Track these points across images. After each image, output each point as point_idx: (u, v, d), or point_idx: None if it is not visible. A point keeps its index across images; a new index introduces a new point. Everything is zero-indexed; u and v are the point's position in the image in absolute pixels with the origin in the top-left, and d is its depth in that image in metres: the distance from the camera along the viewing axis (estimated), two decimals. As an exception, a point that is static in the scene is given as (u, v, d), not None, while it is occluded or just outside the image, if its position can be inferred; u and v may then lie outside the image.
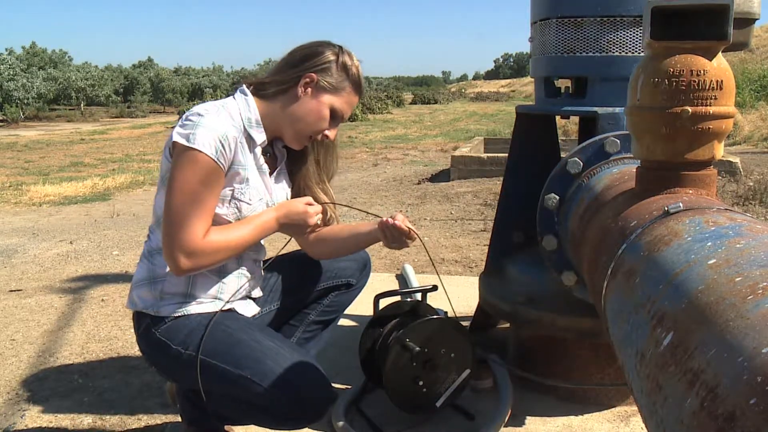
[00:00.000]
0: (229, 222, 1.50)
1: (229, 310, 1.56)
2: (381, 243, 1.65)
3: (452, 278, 3.42)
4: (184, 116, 1.45)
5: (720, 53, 1.16)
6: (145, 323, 1.52)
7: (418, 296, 1.96)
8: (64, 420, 2.04)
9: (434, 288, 1.92)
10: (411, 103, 37.92)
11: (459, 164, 7.75)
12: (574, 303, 1.74)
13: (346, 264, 1.83)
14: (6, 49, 33.02)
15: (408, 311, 1.88)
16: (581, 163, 1.67)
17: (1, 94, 27.62)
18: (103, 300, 3.32)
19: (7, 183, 9.30)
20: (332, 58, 1.55)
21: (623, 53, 1.84)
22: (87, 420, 2.03)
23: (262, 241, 1.65)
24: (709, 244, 0.83)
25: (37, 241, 4.92)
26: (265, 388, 1.41)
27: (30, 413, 2.07)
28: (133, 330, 1.60)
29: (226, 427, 1.72)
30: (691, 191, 1.18)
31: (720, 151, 1.20)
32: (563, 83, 2.12)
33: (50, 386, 2.30)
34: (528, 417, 1.86)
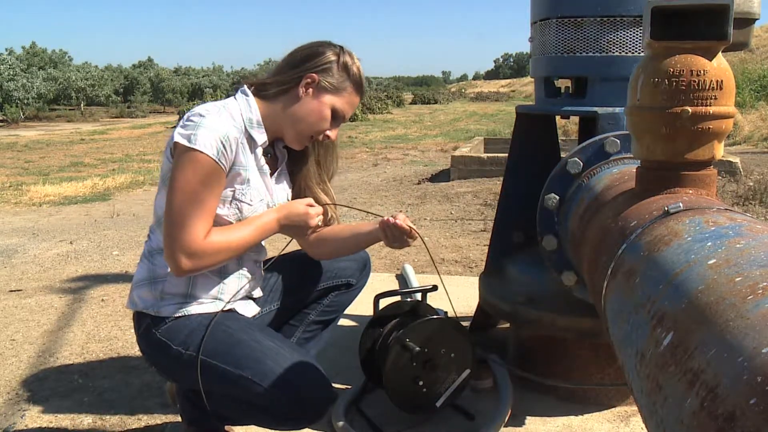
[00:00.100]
0: (230, 223, 1.50)
1: (230, 310, 1.56)
2: (381, 243, 1.65)
3: (452, 278, 3.42)
4: (185, 117, 1.45)
5: (720, 53, 1.16)
6: (145, 323, 1.52)
7: (418, 296, 1.96)
8: (64, 420, 2.04)
9: (434, 288, 1.92)
10: (411, 103, 37.91)
11: (459, 164, 7.75)
12: (574, 303, 1.74)
13: (346, 264, 1.83)
14: (6, 49, 33.07)
15: (408, 311, 1.88)
16: (581, 163, 1.67)
17: (1, 94, 27.63)
18: (103, 300, 3.32)
19: (7, 183, 9.30)
20: (333, 58, 1.55)
21: (623, 53, 1.84)
22: (87, 420, 2.03)
23: (263, 242, 1.65)
24: (709, 244, 0.83)
25: (37, 241, 4.92)
26: (265, 388, 1.41)
27: (30, 413, 2.07)
28: (133, 330, 1.60)
29: (226, 427, 1.73)
30: (691, 191, 1.18)
31: (720, 151, 1.20)
32: (563, 83, 2.12)
33: (50, 386, 2.30)
34: (528, 417, 1.86)
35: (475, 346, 1.82)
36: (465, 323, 2.07)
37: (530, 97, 22.18)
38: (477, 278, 2.28)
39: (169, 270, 1.47)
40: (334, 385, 1.51)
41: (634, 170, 1.30)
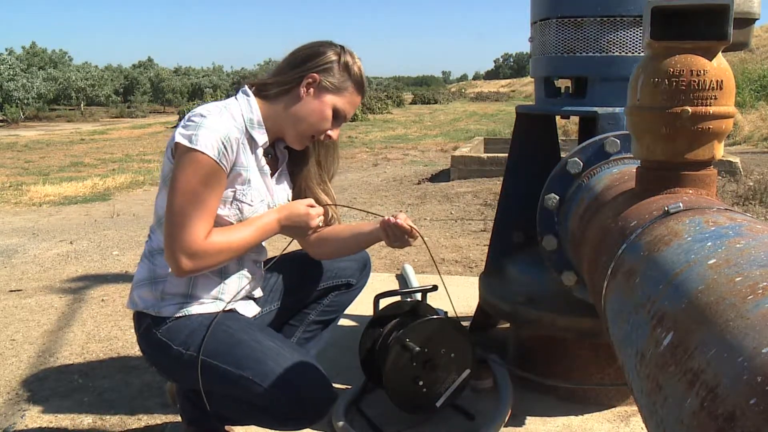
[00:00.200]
0: (231, 223, 1.50)
1: (230, 310, 1.56)
2: (381, 243, 1.65)
3: (452, 278, 3.42)
4: (186, 117, 1.45)
5: (720, 53, 1.16)
6: (145, 323, 1.52)
7: (418, 296, 1.96)
8: (64, 420, 2.04)
9: (434, 288, 1.92)
10: (411, 103, 37.90)
11: (459, 164, 7.75)
12: (574, 303, 1.74)
13: (347, 264, 1.83)
14: (6, 49, 33.07)
15: (408, 311, 1.88)
16: (581, 163, 1.67)
17: (1, 94, 27.63)
18: (103, 300, 3.32)
19: (7, 183, 9.30)
20: (334, 58, 1.55)
21: (623, 53, 1.84)
22: (87, 420, 2.04)
23: (263, 242, 1.65)
24: (709, 244, 0.83)
25: (37, 241, 4.92)
26: (265, 389, 1.41)
27: (30, 413, 2.07)
28: (133, 330, 1.60)
29: (227, 427, 1.73)
30: (691, 191, 1.18)
31: (720, 151, 1.20)
32: (563, 83, 2.12)
33: (50, 386, 2.30)
34: (528, 417, 1.86)
35: (475, 346, 1.82)
36: (465, 323, 2.08)
37: (530, 97, 22.17)
38: (477, 278, 2.28)
39: (169, 270, 1.47)
40: (334, 385, 1.51)
41: (634, 170, 1.30)
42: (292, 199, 1.67)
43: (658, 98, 1.17)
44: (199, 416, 1.67)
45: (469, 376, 1.80)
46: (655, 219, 1.03)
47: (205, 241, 1.42)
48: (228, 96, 1.59)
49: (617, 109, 1.84)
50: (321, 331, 1.85)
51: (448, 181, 7.53)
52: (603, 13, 1.83)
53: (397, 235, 1.60)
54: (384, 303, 1.88)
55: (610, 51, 1.85)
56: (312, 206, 1.57)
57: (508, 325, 2.23)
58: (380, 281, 3.14)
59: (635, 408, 1.86)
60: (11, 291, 3.54)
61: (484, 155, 8.06)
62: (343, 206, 1.85)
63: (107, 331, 2.84)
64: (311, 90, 1.54)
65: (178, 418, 1.83)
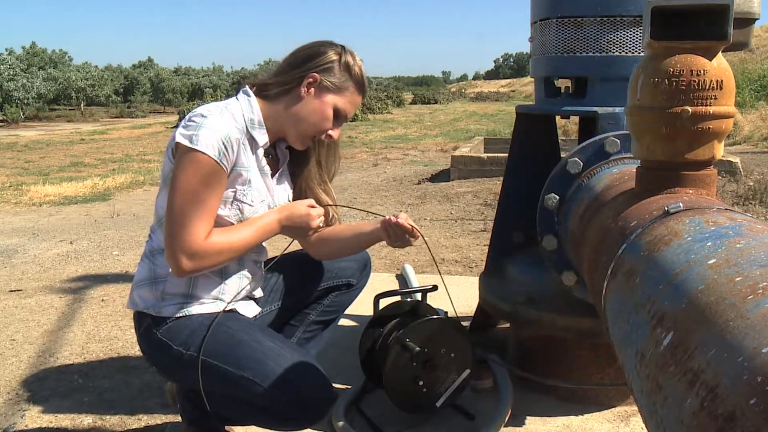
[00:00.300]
0: (231, 224, 1.50)
1: (231, 310, 1.56)
2: (382, 243, 1.66)
3: (452, 278, 3.42)
4: (187, 117, 1.45)
5: (720, 53, 1.16)
6: (146, 323, 1.52)
7: (418, 296, 1.96)
8: (64, 420, 2.04)
9: (434, 288, 1.92)
10: (411, 103, 37.89)
11: (459, 164, 7.75)
12: (574, 303, 1.74)
13: (347, 264, 1.83)
14: (6, 49, 33.07)
15: (408, 311, 1.88)
16: (581, 163, 1.67)
17: (1, 94, 27.63)
18: (103, 300, 3.32)
19: (7, 183, 9.30)
20: (335, 57, 1.55)
21: (623, 53, 1.84)
22: (87, 420, 2.04)
23: (263, 242, 1.65)
24: (709, 244, 0.83)
25: (37, 241, 4.92)
26: (266, 389, 1.41)
27: (30, 413, 2.07)
28: (133, 330, 1.60)
29: (227, 428, 1.73)
30: (691, 191, 1.18)
31: (720, 151, 1.20)
32: (563, 83, 2.12)
33: (50, 386, 2.30)
34: (528, 417, 1.86)
35: (475, 346, 1.82)
36: (465, 323, 2.08)
37: (530, 97, 22.17)
38: (477, 278, 2.28)
39: (170, 270, 1.47)
40: (334, 385, 1.51)
41: (634, 170, 1.30)
42: (293, 200, 1.67)
43: (658, 98, 1.17)
44: (199, 416, 1.67)
45: (469, 376, 1.80)
46: (655, 219, 1.03)
47: (206, 242, 1.42)
48: (228, 96, 1.59)
49: (617, 109, 1.84)
50: (321, 331, 1.85)
51: (448, 181, 7.53)
52: (603, 13, 1.83)
53: (398, 235, 1.60)
54: (384, 303, 1.88)
55: (610, 51, 1.85)
56: (312, 206, 1.57)
57: (508, 325, 2.23)
58: (380, 281, 3.14)
59: (635, 408, 1.86)
60: (11, 291, 3.54)
61: (484, 155, 8.06)
62: (344, 206, 1.86)
63: (107, 331, 2.84)
64: (312, 90, 1.54)
65: (178, 418, 1.83)
